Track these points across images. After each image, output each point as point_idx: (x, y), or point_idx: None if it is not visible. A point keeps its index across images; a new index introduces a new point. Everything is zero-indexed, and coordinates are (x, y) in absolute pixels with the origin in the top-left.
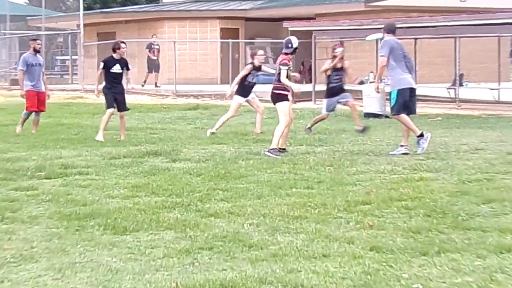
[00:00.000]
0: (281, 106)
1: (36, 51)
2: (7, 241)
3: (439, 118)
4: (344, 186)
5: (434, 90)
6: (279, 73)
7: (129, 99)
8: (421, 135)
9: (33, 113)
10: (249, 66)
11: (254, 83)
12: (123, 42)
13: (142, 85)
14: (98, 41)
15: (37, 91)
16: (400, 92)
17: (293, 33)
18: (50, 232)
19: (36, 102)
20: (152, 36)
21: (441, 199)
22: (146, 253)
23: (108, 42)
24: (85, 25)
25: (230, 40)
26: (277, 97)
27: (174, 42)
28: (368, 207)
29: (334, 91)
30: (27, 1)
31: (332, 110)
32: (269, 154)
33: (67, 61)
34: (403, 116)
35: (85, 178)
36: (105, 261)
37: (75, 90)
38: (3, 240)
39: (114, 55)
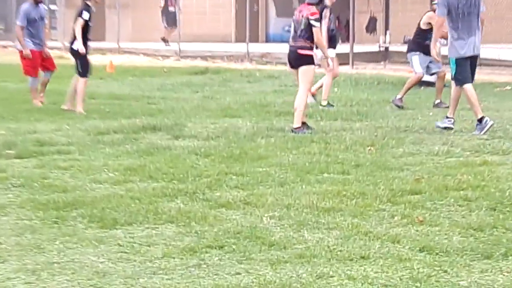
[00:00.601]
0: (306, 70)
1: (37, 2)
2: None
3: (508, 88)
4: (388, 171)
5: (503, 52)
6: (304, 29)
7: (120, 59)
8: (481, 120)
9: (42, 74)
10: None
11: (334, 29)
12: None
13: (166, 44)
14: None
15: (39, 50)
16: (457, 62)
17: None
18: (21, 224)
19: (40, 64)
20: None
21: (509, 188)
22: (141, 252)
23: None
24: None
25: None
26: (302, 59)
27: None
28: (417, 198)
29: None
30: None
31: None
32: (294, 134)
33: (56, 12)
34: (468, 88)
35: (66, 158)
36: (90, 261)
37: (53, 48)
38: None
39: (90, 3)
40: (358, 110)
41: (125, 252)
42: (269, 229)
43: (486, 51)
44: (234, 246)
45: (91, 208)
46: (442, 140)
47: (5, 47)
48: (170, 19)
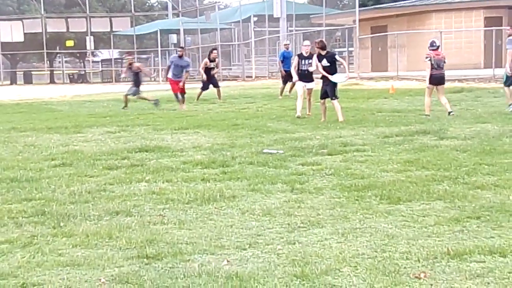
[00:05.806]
0: None
1: (180, 56)
2: (297, 209)
3: None
4: None
5: None
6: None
7: (399, 84)
8: None
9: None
10: None
11: None
12: None
13: None
14: (371, 34)
15: (176, 80)
16: None
17: None
18: (333, 201)
19: (177, 89)
20: None
21: None
22: (418, 221)
23: (380, 35)
24: (360, 20)
25: (493, 28)
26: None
27: (441, 32)
28: None
29: None
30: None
31: None
32: None
33: (343, 53)
34: None
35: (362, 154)
36: (382, 227)
37: (351, 78)
38: (293, 208)
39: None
40: None
41: (407, 221)
42: None
43: None
44: (488, 217)
45: (381, 189)
46: None
47: None
48: None
